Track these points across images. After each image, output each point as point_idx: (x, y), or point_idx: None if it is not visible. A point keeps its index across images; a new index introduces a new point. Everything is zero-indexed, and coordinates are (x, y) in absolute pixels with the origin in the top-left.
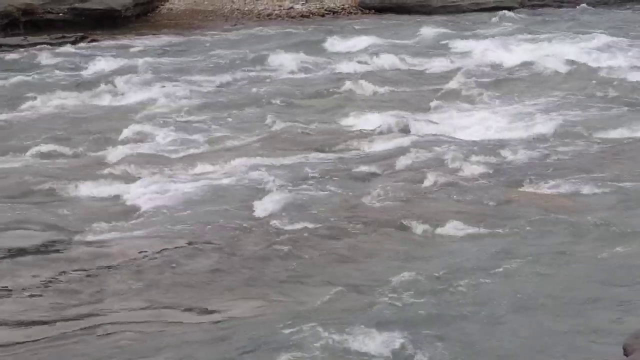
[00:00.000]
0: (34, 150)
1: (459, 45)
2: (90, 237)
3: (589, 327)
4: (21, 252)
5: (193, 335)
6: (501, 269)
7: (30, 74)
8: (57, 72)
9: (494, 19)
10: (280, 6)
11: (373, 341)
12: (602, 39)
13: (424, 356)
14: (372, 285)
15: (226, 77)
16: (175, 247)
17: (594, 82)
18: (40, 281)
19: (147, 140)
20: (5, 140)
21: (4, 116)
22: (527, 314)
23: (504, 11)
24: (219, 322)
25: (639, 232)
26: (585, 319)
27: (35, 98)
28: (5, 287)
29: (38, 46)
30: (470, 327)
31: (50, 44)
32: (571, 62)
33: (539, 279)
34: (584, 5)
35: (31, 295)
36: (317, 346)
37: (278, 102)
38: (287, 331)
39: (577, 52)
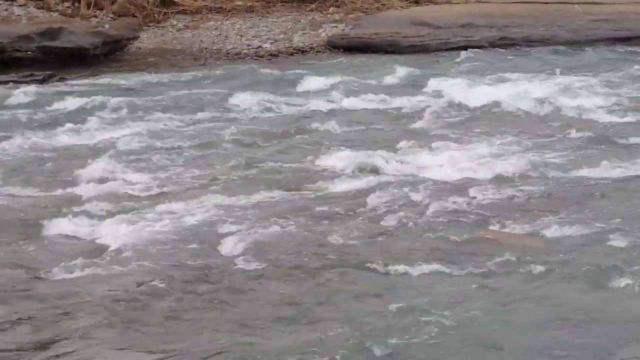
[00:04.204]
0: (1, 188)
1: (428, 84)
2: (57, 276)
3: None
4: None
5: None
6: (467, 308)
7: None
8: (25, 110)
9: (463, 58)
10: (248, 45)
11: None
12: (572, 78)
13: None
14: (338, 324)
15: (194, 116)
16: (142, 287)
17: (563, 122)
18: (7, 319)
19: (115, 179)
20: None
21: None
22: (496, 354)
23: (473, 50)
24: None
25: (605, 273)
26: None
27: (2, 136)
28: None
29: (6, 84)
30: None
31: (18, 82)
32: (540, 102)
33: (505, 320)
34: (554, 45)
35: None
36: None
37: (246, 141)
38: None
39: (547, 92)
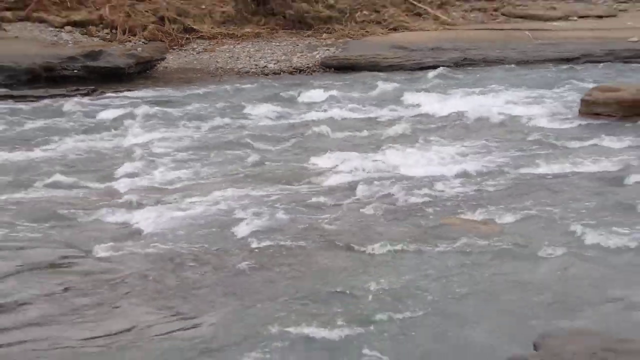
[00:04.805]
0: (53, 182)
1: (403, 97)
2: (100, 254)
3: (504, 331)
4: (42, 264)
5: (183, 334)
6: (433, 281)
7: (51, 119)
8: (72, 118)
9: (432, 76)
10: (256, 65)
11: (330, 332)
12: (522, 92)
13: (371, 344)
14: (327, 292)
15: (212, 123)
16: (169, 263)
17: (514, 129)
18: (59, 289)
19: (147, 175)
20: (30, 173)
21: (29, 154)
22: (453, 316)
23: (441, 68)
24: (202, 324)
25: (549, 248)
26: (501, 323)
27: (54, 139)
28: (32, 293)
29: (57, 97)
30: (404, 323)
31: (67, 96)
32: (497, 112)
33: (464, 290)
34: (508, 64)
35: (51, 300)
36: (286, 338)
37: (254, 144)
38: (262, 329)
39: (502, 103)
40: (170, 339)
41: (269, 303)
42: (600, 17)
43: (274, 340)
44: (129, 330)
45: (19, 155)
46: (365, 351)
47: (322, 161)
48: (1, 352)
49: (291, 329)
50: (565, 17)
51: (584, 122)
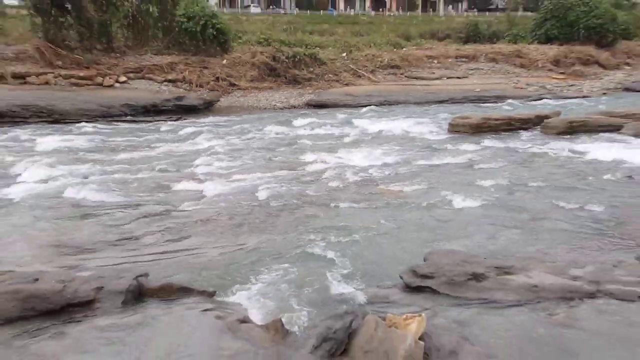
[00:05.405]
0: (157, 168)
1: (352, 122)
2: (184, 208)
3: (409, 250)
4: (151, 215)
5: (236, 251)
6: (369, 222)
7: (155, 134)
8: (168, 133)
9: (366, 110)
10: (270, 104)
11: (316, 248)
12: (417, 119)
13: (339, 253)
14: (312, 230)
15: (246, 136)
16: (224, 213)
17: (413, 139)
18: (162, 227)
19: (210, 164)
20: (143, 164)
21: (143, 153)
22: (382, 240)
23: (372, 106)
24: (246, 246)
25: (434, 205)
26: (408, 245)
27: (158, 145)
28: (147, 230)
29: (158, 122)
30: (358, 244)
31: (164, 121)
32: (403, 130)
33: (388, 226)
34: (409, 104)
35: (159, 234)
36: (295, 252)
37: (269, 147)
38: (280, 249)
39: (406, 125)
40: (229, 253)
41: (282, 234)
42: (459, 77)
43: (288, 252)
44: (205, 250)
45: (137, 154)
46: (336, 256)
47: (307, 157)
48: (132, 260)
49: (296, 248)
50: (440, 78)
51: (451, 136)
